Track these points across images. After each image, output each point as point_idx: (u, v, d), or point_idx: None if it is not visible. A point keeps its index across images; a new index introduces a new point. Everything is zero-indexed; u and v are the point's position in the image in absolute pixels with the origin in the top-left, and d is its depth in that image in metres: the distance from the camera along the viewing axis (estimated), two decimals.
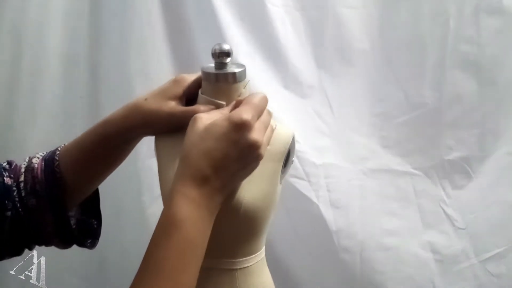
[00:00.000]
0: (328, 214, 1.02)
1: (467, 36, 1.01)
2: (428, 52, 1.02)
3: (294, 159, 0.65)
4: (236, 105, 0.53)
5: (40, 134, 1.05)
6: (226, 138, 0.48)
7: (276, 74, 1.04)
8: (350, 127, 1.05)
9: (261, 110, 0.52)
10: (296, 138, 0.93)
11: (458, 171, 1.06)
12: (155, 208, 1.01)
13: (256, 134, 0.49)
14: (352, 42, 1.03)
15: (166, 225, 0.46)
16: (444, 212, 1.06)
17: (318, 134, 1.05)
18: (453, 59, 1.01)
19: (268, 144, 0.54)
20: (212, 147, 0.48)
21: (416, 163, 1.06)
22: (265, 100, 0.53)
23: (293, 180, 1.01)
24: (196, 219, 0.47)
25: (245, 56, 1.00)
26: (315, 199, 1.02)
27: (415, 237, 1.05)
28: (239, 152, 0.48)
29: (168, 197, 0.48)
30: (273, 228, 0.68)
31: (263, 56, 1.03)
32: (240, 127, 0.48)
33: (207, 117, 0.50)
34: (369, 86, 1.05)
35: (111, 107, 0.96)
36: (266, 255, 0.64)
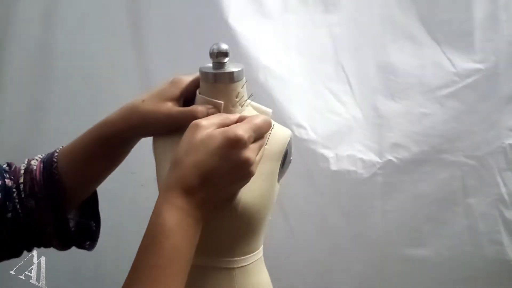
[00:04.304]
0: (340, 219, 0.85)
1: None
2: (475, 4, 0.82)
3: (295, 153, 0.62)
4: (239, 120, 0.54)
5: (11, 130, 1.01)
6: (218, 152, 0.49)
7: (282, 48, 0.87)
8: (376, 106, 0.85)
9: (260, 132, 0.52)
10: (302, 124, 0.84)
11: None
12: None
13: (249, 152, 0.50)
14: (372, 6, 0.85)
15: (156, 233, 0.47)
16: (502, 215, 0.84)
17: (331, 117, 0.86)
18: (510, 11, 0.80)
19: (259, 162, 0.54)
20: (203, 160, 0.49)
21: (468, 150, 0.84)
22: (267, 124, 0.53)
23: (295, 177, 0.85)
24: (184, 227, 0.48)
25: (248, 31, 0.85)
26: (323, 200, 0.86)
27: (456, 249, 0.85)
28: (230, 167, 0.49)
29: (156, 203, 0.49)
30: (270, 233, 0.65)
31: (268, 29, 0.87)
32: (234, 143, 0.49)
33: (206, 125, 0.51)
34: (400, 52, 0.85)
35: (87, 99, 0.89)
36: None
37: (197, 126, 0.51)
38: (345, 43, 0.87)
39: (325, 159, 0.85)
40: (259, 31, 0.87)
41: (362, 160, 0.85)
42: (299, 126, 0.85)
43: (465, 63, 0.84)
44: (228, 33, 0.85)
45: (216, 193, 0.51)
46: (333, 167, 0.85)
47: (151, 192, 0.96)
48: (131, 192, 0.97)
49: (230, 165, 0.49)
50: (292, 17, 0.88)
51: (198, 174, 0.48)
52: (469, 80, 0.83)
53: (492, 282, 0.87)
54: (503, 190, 0.85)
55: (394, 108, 0.86)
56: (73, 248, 0.63)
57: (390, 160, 0.85)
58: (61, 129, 0.95)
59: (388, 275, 0.88)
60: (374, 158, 0.85)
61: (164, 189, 0.49)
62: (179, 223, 0.47)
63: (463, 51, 0.84)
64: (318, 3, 0.88)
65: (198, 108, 0.57)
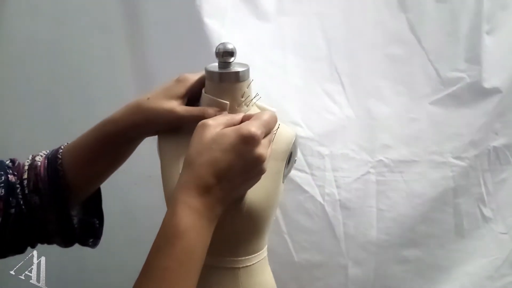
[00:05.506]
0: (335, 216, 0.87)
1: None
2: (460, 16, 0.86)
3: (298, 150, 0.63)
4: (244, 119, 0.54)
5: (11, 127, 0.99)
6: (233, 149, 0.48)
7: (274, 48, 0.88)
8: (368, 107, 0.88)
9: (269, 127, 0.52)
10: (299, 122, 0.86)
11: (502, 161, 0.89)
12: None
13: (262, 149, 0.50)
14: (365, 12, 0.87)
15: (169, 234, 0.47)
16: (481, 213, 0.90)
17: (326, 116, 0.88)
18: (492, 23, 0.86)
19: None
20: (218, 158, 0.48)
21: (458, 152, 0.88)
22: (274, 119, 0.53)
23: (292, 173, 0.85)
24: (198, 229, 0.47)
25: (244, 32, 0.87)
26: (319, 198, 0.87)
27: (444, 247, 0.89)
28: (244, 164, 0.49)
29: (170, 204, 0.49)
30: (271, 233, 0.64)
31: (263, 30, 0.88)
32: (248, 141, 0.49)
33: (215, 125, 0.51)
34: (389, 59, 0.88)
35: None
36: None
37: (206, 126, 0.51)
38: (338, 46, 0.89)
39: (321, 155, 0.87)
40: (255, 32, 0.88)
41: (355, 158, 0.88)
42: (296, 124, 0.86)
43: (450, 72, 0.87)
44: (224, 33, 0.85)
45: (231, 192, 0.51)
46: (328, 163, 0.87)
47: (143, 191, 0.96)
48: (123, 191, 0.95)
49: (245, 162, 0.49)
50: (287, 19, 0.89)
51: (214, 172, 0.48)
52: (453, 88, 0.87)
53: (480, 279, 0.89)
54: (483, 190, 0.89)
55: (385, 111, 0.89)
56: (56, 247, 0.63)
57: (381, 160, 0.88)
58: (57, 126, 0.95)
59: (382, 278, 0.89)
60: (366, 157, 0.88)
61: (179, 190, 0.49)
62: (193, 225, 0.47)
63: (448, 60, 0.87)
64: (313, 5, 0.89)
65: (208, 110, 0.57)
